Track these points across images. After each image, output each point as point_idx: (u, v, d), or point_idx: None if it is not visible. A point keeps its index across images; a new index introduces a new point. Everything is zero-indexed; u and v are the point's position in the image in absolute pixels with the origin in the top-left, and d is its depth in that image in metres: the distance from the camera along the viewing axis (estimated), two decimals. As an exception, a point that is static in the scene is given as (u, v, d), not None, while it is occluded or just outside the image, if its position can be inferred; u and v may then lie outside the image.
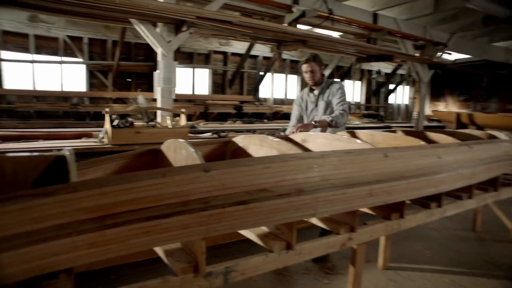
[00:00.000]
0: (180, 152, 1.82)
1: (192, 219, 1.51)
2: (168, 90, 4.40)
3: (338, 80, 3.52)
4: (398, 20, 6.83)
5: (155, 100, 4.62)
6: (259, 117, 9.10)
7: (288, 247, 1.89)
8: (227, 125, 6.62)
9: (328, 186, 1.75)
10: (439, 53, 7.63)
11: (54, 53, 7.23)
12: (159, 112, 4.47)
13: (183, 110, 4.21)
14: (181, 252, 1.77)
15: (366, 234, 2.26)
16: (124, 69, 7.75)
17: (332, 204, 1.80)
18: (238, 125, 6.63)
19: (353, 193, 1.85)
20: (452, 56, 10.30)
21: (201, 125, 6.01)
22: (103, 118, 3.75)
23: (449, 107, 13.47)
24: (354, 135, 2.94)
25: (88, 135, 4.21)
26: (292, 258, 1.93)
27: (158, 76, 4.35)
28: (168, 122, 4.22)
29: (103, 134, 3.76)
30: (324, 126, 3.10)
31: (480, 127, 8.02)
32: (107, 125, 3.73)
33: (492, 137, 3.55)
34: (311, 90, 3.45)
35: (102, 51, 7.67)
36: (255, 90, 9.67)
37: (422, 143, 2.49)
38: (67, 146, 3.57)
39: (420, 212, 2.63)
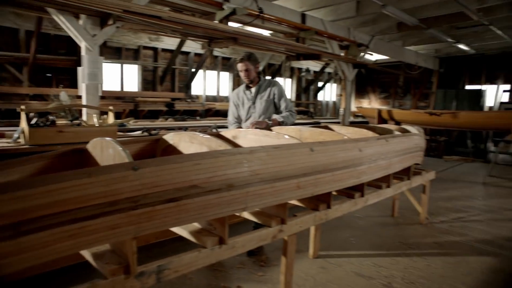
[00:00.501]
0: (107, 151, 1.76)
1: (121, 219, 1.48)
2: (94, 86, 4.16)
3: (273, 79, 3.66)
4: (324, 21, 7.21)
5: (79, 97, 4.34)
6: (191, 114, 8.98)
7: (221, 242, 1.93)
8: (158, 122, 6.44)
9: (258, 180, 1.81)
10: (362, 54, 8.19)
11: None
12: (84, 110, 4.21)
13: (111, 107, 4.03)
14: (111, 254, 1.71)
15: (296, 226, 2.39)
16: (42, 63, 7.10)
17: (262, 197, 1.87)
18: (170, 122, 6.49)
19: (281, 186, 1.95)
20: (373, 56, 11.14)
21: (131, 123, 5.78)
22: (17, 116, 3.43)
23: (372, 103, 14.53)
24: (283, 131, 3.06)
25: (0, 135, 3.83)
26: (225, 253, 1.97)
27: (82, 71, 4.09)
28: (95, 120, 4.00)
29: (19, 134, 3.45)
30: (275, 125, 3.29)
31: (397, 122, 8.80)
32: (23, 124, 3.43)
33: (406, 131, 3.93)
34: (248, 87, 3.53)
35: (13, 42, 6.91)
36: (187, 87, 9.52)
37: (345, 137, 2.68)
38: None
39: (345, 202, 2.83)
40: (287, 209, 2.25)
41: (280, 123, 3.31)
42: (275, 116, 3.40)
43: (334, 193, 2.77)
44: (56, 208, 1.36)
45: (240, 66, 3.36)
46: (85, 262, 1.80)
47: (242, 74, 3.43)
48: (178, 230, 2.02)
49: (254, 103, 3.48)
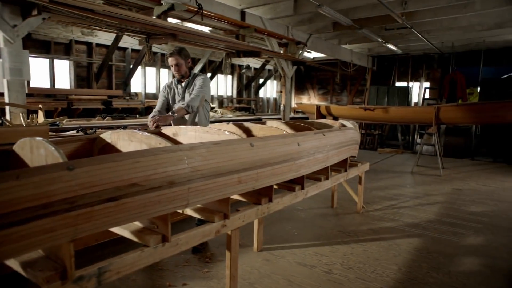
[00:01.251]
0: (38, 152, 1.66)
1: (56, 221, 1.42)
2: (19, 82, 3.84)
3: (203, 74, 3.61)
4: (263, 19, 7.33)
5: (1, 94, 4.00)
6: (130, 112, 8.65)
7: (164, 240, 1.92)
8: (95, 121, 6.13)
9: (199, 176, 1.83)
10: (300, 51, 8.46)
11: None
12: (8, 109, 3.88)
13: (40, 105, 3.77)
14: (44, 260, 1.63)
15: (239, 220, 2.43)
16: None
17: (204, 193, 1.89)
18: (108, 121, 6.21)
19: (223, 181, 1.98)
20: (312, 54, 11.56)
21: (65, 122, 5.45)
22: None
23: (311, 100, 15.07)
24: (223, 127, 3.09)
25: None
26: (169, 250, 1.96)
27: (2, 66, 3.76)
28: (22, 119, 3.72)
29: None
30: (182, 113, 3.17)
31: (335, 117, 9.23)
32: None
33: (342, 125, 4.16)
34: (179, 81, 3.52)
35: None
36: (125, 84, 9.15)
37: (285, 132, 2.78)
38: None
39: (286, 195, 2.93)
40: (230, 204, 2.28)
41: (186, 110, 3.16)
42: (178, 105, 3.34)
43: (275, 186, 2.87)
44: (-20, 214, 1.27)
45: (170, 61, 3.33)
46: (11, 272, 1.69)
47: (172, 69, 3.41)
48: (119, 231, 1.97)
49: (183, 98, 3.47)
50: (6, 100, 3.87)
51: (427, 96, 11.84)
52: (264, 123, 3.58)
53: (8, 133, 3.35)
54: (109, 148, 2.20)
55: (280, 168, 2.44)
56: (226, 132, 2.34)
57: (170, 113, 3.11)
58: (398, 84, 12.64)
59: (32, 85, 7.52)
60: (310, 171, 2.96)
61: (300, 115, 12.24)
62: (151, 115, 3.33)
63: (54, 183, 1.38)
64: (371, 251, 3.49)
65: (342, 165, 3.95)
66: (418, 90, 12.06)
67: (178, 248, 2.01)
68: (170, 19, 5.35)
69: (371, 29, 8.34)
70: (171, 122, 3.14)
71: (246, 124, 3.20)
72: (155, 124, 2.91)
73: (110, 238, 2.12)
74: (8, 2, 3.61)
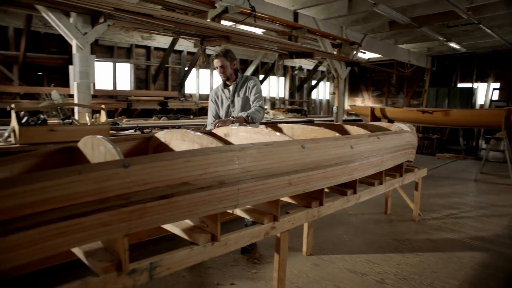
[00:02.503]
0: (98, 149, 1.75)
1: (112, 216, 1.48)
2: (86, 85, 4.13)
3: (252, 76, 3.57)
4: (316, 19, 7.23)
5: (71, 96, 4.32)
6: (185, 113, 8.97)
7: (213, 239, 1.93)
8: (152, 121, 6.42)
9: (249, 177, 1.82)
10: (354, 52, 8.23)
11: None
12: (76, 109, 4.19)
13: (103, 106, 4.01)
14: (103, 252, 1.71)
15: (289, 223, 2.39)
16: (33, 61, 7.04)
17: (253, 194, 1.88)
18: (163, 121, 6.47)
19: (273, 183, 1.95)
20: (366, 55, 11.19)
21: (124, 121, 5.76)
22: (7, 115, 3.40)
23: (365, 102, 14.61)
24: (275, 129, 3.07)
25: (-9, 134, 3.79)
26: (217, 250, 1.97)
27: (73, 70, 4.07)
28: (87, 119, 3.98)
29: (9, 133, 3.42)
30: (241, 122, 3.15)
31: (390, 120, 8.85)
32: (14, 122, 3.40)
33: (398, 128, 3.96)
34: (226, 86, 3.48)
35: (2, 40, 6.84)
36: (180, 85, 9.50)
37: (337, 134, 2.70)
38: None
39: (337, 199, 2.84)
40: (279, 206, 2.25)
41: (245, 120, 3.13)
42: (240, 113, 3.29)
43: (326, 190, 2.79)
44: (45, 206, 1.35)
45: (216, 62, 3.31)
46: (77, 260, 1.80)
47: (217, 71, 3.37)
48: (171, 228, 2.02)
49: (232, 101, 3.44)
50: (75, 101, 4.17)
51: (495, 97, 10.94)
52: (317, 125, 3.50)
53: (75, 131, 3.62)
54: (163, 147, 2.27)
55: (332, 171, 2.36)
56: (277, 133, 2.32)
57: (230, 118, 3.15)
58: (460, 85, 11.83)
59: (97, 87, 8.05)
60: (363, 175, 2.85)
61: (353, 117, 11.89)
62: (208, 121, 3.45)
63: (111, 179, 1.44)
64: (428, 263, 3.27)
65: (397, 170, 3.75)
66: (485, 92, 11.18)
67: (227, 247, 2.02)
68: (223, 22, 5.45)
69: (432, 27, 7.89)
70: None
71: (298, 125, 3.15)
72: (216, 126, 2.94)
73: (162, 235, 2.18)
74: (81, 12, 3.90)
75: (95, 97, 7.75)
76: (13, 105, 3.43)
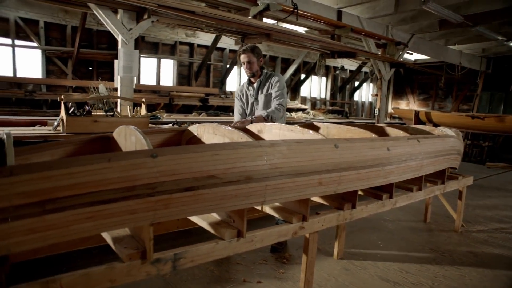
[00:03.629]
0: (130, 139, 1.80)
1: (139, 204, 1.50)
2: (129, 79, 4.30)
3: (277, 73, 3.48)
4: (361, 18, 7.02)
5: (116, 89, 4.51)
6: (225, 110, 9.08)
7: (239, 235, 1.92)
8: (191, 117, 6.56)
9: (278, 174, 1.78)
10: (400, 53, 7.91)
11: (4, 35, 6.77)
12: (119, 102, 4.37)
13: (143, 99, 4.14)
14: (129, 239, 1.75)
15: (318, 223, 2.33)
16: (85, 57, 7.46)
17: (281, 192, 1.84)
18: (202, 117, 6.59)
19: (302, 181, 1.91)
20: (413, 56, 10.73)
21: (165, 116, 5.92)
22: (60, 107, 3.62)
23: (410, 105, 14.02)
24: (309, 127, 3.01)
25: (43, 123, 4.04)
26: (243, 246, 1.95)
27: (118, 64, 4.24)
28: (128, 111, 4.13)
29: (58, 122, 3.62)
30: (259, 121, 3.05)
31: (435, 125, 8.42)
32: (62, 113, 3.61)
33: (441, 132, 3.75)
34: (250, 83, 3.44)
35: (61, 37, 7.32)
36: (221, 83, 9.63)
37: (374, 135, 2.59)
38: (17, 134, 3.42)
39: (372, 203, 2.73)
40: (309, 206, 2.20)
41: (265, 119, 3.05)
42: (259, 113, 3.22)
43: (360, 193, 2.69)
44: (78, 190, 1.40)
45: (242, 58, 3.25)
46: (107, 245, 1.86)
47: (244, 66, 3.32)
48: (197, 220, 2.03)
49: (256, 99, 3.38)
50: (118, 94, 4.34)
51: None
52: (354, 125, 3.38)
53: (116, 123, 3.75)
54: (195, 140, 2.29)
55: (366, 172, 2.27)
56: (310, 131, 2.26)
57: (248, 118, 3.10)
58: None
59: (141, 82, 8.36)
60: (400, 179, 2.71)
61: (396, 120, 11.46)
62: (234, 120, 3.39)
63: (138, 168, 1.47)
64: (470, 278, 3.05)
65: (439, 177, 3.55)
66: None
67: (252, 244, 2.00)
68: (265, 20, 5.44)
69: (489, 25, 7.37)
70: None
71: (334, 125, 3.07)
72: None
73: (190, 227, 2.20)
74: (127, 9, 4.06)
75: (139, 92, 8.05)
76: (62, 97, 3.63)
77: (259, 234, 2.02)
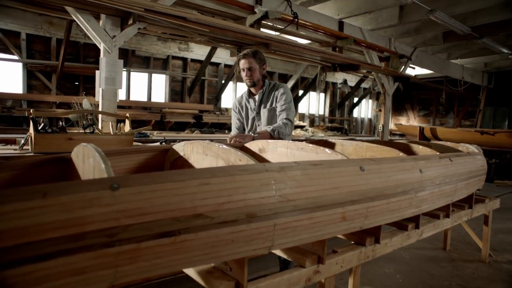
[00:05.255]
0: (88, 161, 1.31)
1: (90, 260, 1.01)
2: (112, 92, 3.84)
3: (282, 84, 2.93)
4: (363, 29, 6.68)
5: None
6: (220, 127, 8.63)
7: (238, 289, 1.43)
8: (184, 134, 6.09)
9: (290, 209, 1.30)
10: (403, 66, 7.57)
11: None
12: (100, 117, 3.89)
13: (127, 114, 3.67)
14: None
15: (336, 265, 1.85)
16: (70, 71, 7.01)
17: (295, 232, 1.36)
18: (196, 135, 6.13)
19: (321, 217, 1.43)
20: (414, 71, 10.42)
21: (155, 133, 5.45)
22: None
23: (410, 121, 13.69)
24: (321, 145, 2.54)
25: (10, 141, 3.55)
26: (243, 303, 1.46)
27: (99, 75, 3.79)
28: (110, 128, 3.65)
29: (25, 140, 3.14)
30: (265, 138, 2.56)
31: (443, 141, 8.01)
32: (31, 129, 3.12)
33: (466, 149, 3.30)
34: (251, 94, 2.94)
35: (45, 50, 6.88)
36: (216, 99, 9.21)
37: (401, 154, 2.13)
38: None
39: (396, 236, 2.27)
40: (326, 245, 1.72)
41: (271, 135, 2.61)
42: (265, 128, 2.72)
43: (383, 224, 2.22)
44: (-7, 242, 0.92)
45: (242, 63, 2.75)
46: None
47: (243, 74, 2.79)
48: (183, 268, 1.53)
49: (258, 113, 2.87)
50: (100, 108, 3.88)
51: None
52: (374, 142, 2.90)
53: (95, 141, 3.27)
54: (181, 163, 1.81)
55: (397, 202, 1.80)
56: (327, 149, 1.79)
57: (251, 133, 2.61)
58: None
59: (131, 98, 7.92)
60: (432, 208, 2.25)
61: (397, 137, 11.07)
62: (230, 135, 2.84)
63: (90, 207, 0.99)
64: (513, 323, 2.55)
65: (467, 200, 3.09)
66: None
67: (255, 299, 1.50)
68: (263, 30, 5.05)
69: (495, 37, 7.06)
70: None
71: (349, 142, 2.59)
72: (232, 142, 2.43)
73: (175, 276, 1.70)
74: (110, 14, 3.64)
75: (129, 108, 7.60)
76: (31, 111, 3.15)
77: (264, 285, 1.52)
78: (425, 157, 2.17)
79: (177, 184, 1.10)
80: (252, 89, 2.90)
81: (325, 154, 1.78)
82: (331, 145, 2.60)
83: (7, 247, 0.91)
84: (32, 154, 2.99)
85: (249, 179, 1.24)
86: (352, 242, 2.08)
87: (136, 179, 1.07)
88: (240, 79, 9.52)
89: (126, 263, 1.06)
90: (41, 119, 3.19)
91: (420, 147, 2.67)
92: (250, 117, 2.94)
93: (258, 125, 2.90)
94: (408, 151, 2.65)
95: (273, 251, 1.85)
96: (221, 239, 1.19)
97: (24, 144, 3.13)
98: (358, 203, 1.56)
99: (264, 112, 2.85)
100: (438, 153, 2.52)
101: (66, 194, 0.98)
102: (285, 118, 2.70)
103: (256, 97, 2.89)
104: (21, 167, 1.48)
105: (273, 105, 2.83)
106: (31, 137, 3.09)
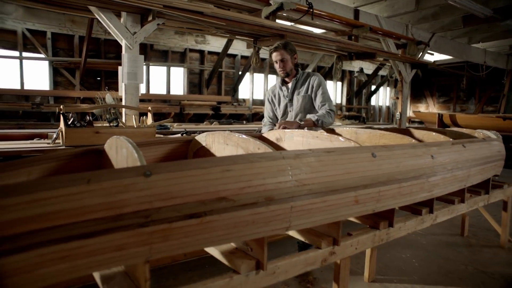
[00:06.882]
0: (121, 152, 1.46)
1: (128, 238, 1.15)
2: (134, 86, 4.00)
3: (315, 73, 3.04)
4: (379, 17, 6.63)
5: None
6: (237, 118, 8.76)
7: (258, 267, 1.55)
8: (202, 126, 6.25)
9: (305, 192, 1.42)
10: (421, 53, 7.48)
11: (12, 47, 6.62)
12: (124, 111, 4.07)
13: (149, 108, 3.83)
14: (122, 278, 1.40)
15: (351, 247, 1.96)
16: (92, 67, 7.25)
17: (310, 214, 1.47)
18: (214, 126, 6.27)
19: (335, 200, 1.53)
20: (433, 57, 10.23)
21: (174, 125, 5.62)
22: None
23: (429, 109, 13.46)
24: (335, 133, 2.63)
25: (43, 136, 3.77)
26: (263, 280, 1.59)
27: (122, 71, 3.96)
28: (134, 121, 3.83)
29: (57, 134, 3.34)
30: (309, 125, 2.72)
31: (462, 128, 7.90)
32: (61, 124, 3.32)
33: (483, 135, 3.32)
34: (284, 83, 3.05)
35: (69, 47, 7.15)
36: (234, 90, 9.32)
37: (413, 141, 2.20)
38: (12, 148, 3.14)
39: (410, 220, 2.35)
40: (341, 227, 1.83)
41: (315, 124, 2.75)
42: (309, 116, 2.83)
43: (396, 207, 2.30)
44: (46, 222, 1.06)
45: (274, 56, 2.87)
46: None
47: (276, 66, 2.93)
48: (208, 249, 1.68)
49: (291, 100, 2.98)
50: (123, 102, 4.05)
51: None
52: (387, 129, 2.96)
53: (120, 134, 3.44)
54: (203, 152, 1.94)
55: (409, 186, 1.88)
56: (341, 138, 1.89)
57: (297, 120, 2.74)
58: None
59: (151, 91, 8.12)
60: (444, 192, 2.31)
61: (416, 125, 10.95)
62: (263, 122, 3.09)
63: (127, 191, 1.13)
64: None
65: (483, 186, 3.12)
66: None
67: (275, 277, 1.63)
68: (279, 21, 5.11)
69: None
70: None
71: (363, 130, 2.68)
72: (281, 126, 2.55)
73: (200, 256, 1.84)
74: (131, 12, 3.79)
75: (148, 101, 7.80)
76: (61, 107, 3.35)
77: (282, 264, 1.65)
78: (437, 143, 2.24)
79: (202, 171, 1.23)
80: (286, 78, 3.02)
81: (338, 142, 1.88)
82: (345, 134, 2.68)
83: (61, 225, 1.06)
84: (63, 147, 3.19)
85: (267, 166, 1.36)
86: (367, 226, 2.18)
87: (166, 166, 1.20)
88: (256, 70, 9.60)
89: (159, 241, 1.20)
90: (70, 114, 3.38)
91: (434, 134, 2.72)
92: (283, 104, 3.05)
93: (290, 111, 3.01)
94: (419, 138, 2.71)
95: (291, 235, 1.98)
96: (242, 220, 1.32)
97: (56, 138, 3.33)
98: (370, 188, 1.66)
99: (297, 99, 2.96)
100: (451, 139, 2.57)
101: (107, 180, 1.12)
102: (328, 109, 2.80)
103: (290, 84, 3.00)
104: (62, 158, 1.64)
105: (308, 92, 2.93)
106: (62, 132, 3.30)
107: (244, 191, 1.30)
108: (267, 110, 3.18)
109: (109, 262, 1.17)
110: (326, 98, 2.86)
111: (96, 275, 1.45)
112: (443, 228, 4.18)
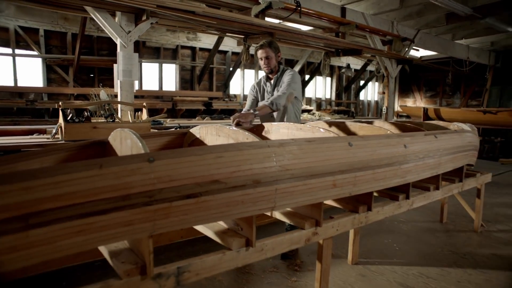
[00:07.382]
0: (125, 143, 1.64)
1: (135, 215, 1.35)
2: (129, 83, 4.16)
3: (291, 69, 3.25)
4: (365, 14, 6.85)
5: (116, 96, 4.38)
6: (229, 113, 8.94)
7: (248, 244, 1.76)
8: (195, 121, 6.42)
9: (288, 176, 1.62)
10: (406, 49, 7.72)
11: (4, 44, 6.70)
12: (119, 107, 4.23)
13: (144, 104, 4.00)
14: (128, 253, 1.60)
15: (332, 228, 2.17)
16: (86, 64, 7.36)
17: (292, 196, 1.68)
18: (206, 121, 6.44)
19: (315, 184, 1.74)
20: (419, 53, 10.52)
21: (167, 121, 5.78)
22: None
23: (417, 103, 13.78)
24: (319, 125, 2.84)
25: (42, 131, 3.92)
26: (252, 256, 1.79)
27: (117, 68, 4.11)
28: (129, 117, 3.99)
29: (56, 130, 3.50)
30: (265, 111, 2.89)
31: (446, 121, 8.19)
32: (61, 120, 3.48)
33: (457, 128, 3.56)
34: (268, 78, 3.28)
35: (62, 45, 7.24)
36: (225, 86, 9.50)
37: (390, 132, 2.42)
38: (13, 143, 3.29)
39: (388, 205, 2.57)
40: (323, 210, 2.04)
41: (270, 108, 2.88)
42: (261, 102, 3.04)
43: (375, 194, 2.52)
44: (65, 201, 1.25)
45: (260, 53, 3.10)
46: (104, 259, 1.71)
47: (261, 63, 3.15)
48: (202, 229, 1.88)
49: (273, 95, 3.18)
50: (119, 99, 4.21)
51: None
52: (367, 122, 3.19)
53: (116, 128, 3.62)
54: (198, 143, 2.14)
55: (383, 172, 2.10)
56: (321, 129, 2.10)
57: (251, 110, 2.89)
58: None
59: (143, 87, 8.25)
60: (417, 178, 2.54)
61: (403, 119, 11.25)
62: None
63: (134, 175, 1.32)
64: (498, 282, 2.85)
65: (457, 174, 3.36)
66: None
67: (263, 254, 1.84)
68: (268, 19, 5.29)
69: (500, 17, 7.14)
70: (252, 120, 2.86)
71: (346, 122, 2.90)
72: (235, 121, 2.70)
73: (196, 236, 2.04)
74: (125, 11, 3.94)
75: (141, 98, 7.94)
76: (60, 103, 3.50)
77: (269, 242, 1.86)
78: (410, 134, 2.46)
79: (198, 157, 1.42)
80: (270, 75, 3.24)
81: (319, 133, 2.08)
82: (328, 126, 2.89)
83: (77, 203, 1.25)
84: (63, 142, 3.35)
85: (255, 153, 1.56)
86: (347, 211, 2.39)
87: (167, 153, 1.40)
88: (247, 66, 9.77)
89: (161, 218, 1.39)
90: (68, 110, 3.54)
91: (411, 126, 2.94)
92: (266, 98, 3.25)
93: None
94: (397, 130, 2.93)
95: (278, 217, 2.19)
96: (233, 200, 1.52)
97: (55, 133, 3.49)
98: (346, 173, 1.87)
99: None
100: (425, 130, 2.80)
101: (116, 165, 1.31)
102: (281, 92, 2.98)
103: (272, 81, 3.24)
104: (70, 149, 1.82)
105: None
106: (61, 127, 3.45)
107: (234, 175, 1.50)
108: (248, 103, 3.38)
109: (118, 236, 1.36)
110: (286, 85, 3.03)
111: (105, 251, 1.64)
112: (424, 215, 4.44)
